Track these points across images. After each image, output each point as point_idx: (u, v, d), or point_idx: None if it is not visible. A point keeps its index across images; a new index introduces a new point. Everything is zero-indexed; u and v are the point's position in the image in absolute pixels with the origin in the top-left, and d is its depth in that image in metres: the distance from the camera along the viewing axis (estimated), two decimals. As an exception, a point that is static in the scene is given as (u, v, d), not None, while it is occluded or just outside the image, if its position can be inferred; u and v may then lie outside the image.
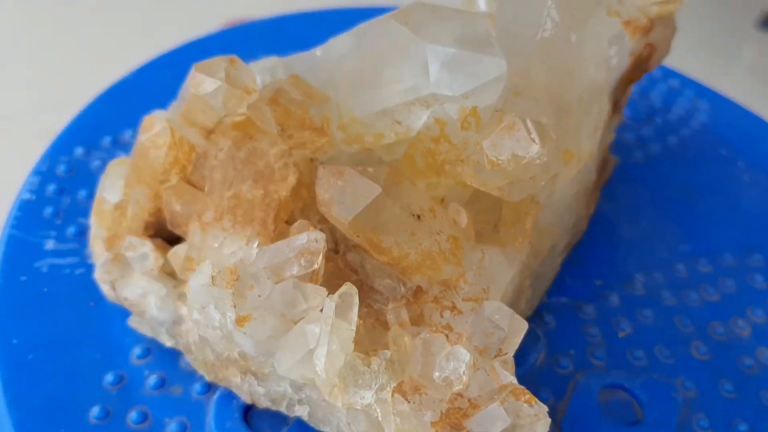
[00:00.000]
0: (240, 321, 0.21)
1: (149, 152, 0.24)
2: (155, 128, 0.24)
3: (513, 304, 0.25)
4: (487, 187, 0.22)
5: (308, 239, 0.22)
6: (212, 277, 0.22)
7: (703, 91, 0.41)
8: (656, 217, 0.33)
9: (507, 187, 0.21)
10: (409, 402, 0.19)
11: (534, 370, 0.27)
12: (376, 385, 0.20)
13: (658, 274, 0.31)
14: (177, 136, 0.24)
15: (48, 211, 0.30)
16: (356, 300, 0.21)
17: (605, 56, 0.23)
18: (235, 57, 0.24)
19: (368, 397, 0.20)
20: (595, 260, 0.31)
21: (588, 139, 0.24)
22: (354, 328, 0.20)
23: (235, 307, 0.21)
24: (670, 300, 0.30)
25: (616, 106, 0.33)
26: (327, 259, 0.23)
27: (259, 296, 0.21)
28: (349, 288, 0.21)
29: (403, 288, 0.23)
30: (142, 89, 0.36)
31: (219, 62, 0.23)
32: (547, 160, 0.20)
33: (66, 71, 0.87)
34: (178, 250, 0.23)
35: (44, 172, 0.31)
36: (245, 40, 0.41)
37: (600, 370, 0.27)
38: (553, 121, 0.22)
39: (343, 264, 0.24)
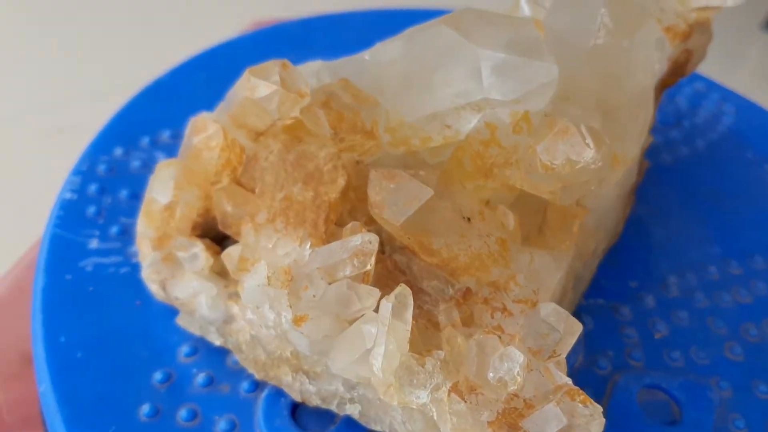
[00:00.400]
0: (297, 321, 0.21)
1: (202, 154, 0.24)
2: (208, 130, 0.24)
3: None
4: (539, 190, 0.22)
5: (362, 241, 0.22)
6: (268, 277, 0.22)
7: (728, 95, 0.42)
8: (687, 220, 0.34)
9: (559, 191, 0.22)
10: (465, 402, 0.20)
11: (573, 371, 0.27)
12: (431, 384, 0.21)
13: (691, 275, 0.31)
14: (229, 139, 0.24)
15: (90, 210, 0.30)
16: (411, 301, 0.21)
17: (652, 61, 0.23)
18: (287, 61, 0.24)
19: (424, 396, 0.21)
20: (630, 262, 0.31)
21: (634, 143, 0.24)
22: (409, 328, 0.21)
23: (291, 307, 0.21)
24: (703, 302, 0.30)
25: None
26: (376, 260, 0.23)
27: (314, 296, 0.22)
28: (403, 289, 0.21)
29: (451, 289, 0.23)
30: (177, 90, 0.36)
31: (273, 66, 0.23)
32: (602, 165, 0.20)
33: (77, 68, 0.88)
34: (232, 251, 0.23)
35: (84, 171, 0.32)
36: (276, 42, 0.41)
37: (638, 371, 0.27)
38: (602, 125, 0.22)
39: (392, 265, 0.24)
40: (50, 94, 0.83)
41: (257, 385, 0.25)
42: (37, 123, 0.79)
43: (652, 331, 0.29)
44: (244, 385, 0.25)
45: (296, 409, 0.25)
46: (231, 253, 0.23)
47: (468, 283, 0.23)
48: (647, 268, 0.31)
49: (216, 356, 0.26)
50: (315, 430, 0.24)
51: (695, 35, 0.28)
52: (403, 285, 0.21)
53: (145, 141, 0.34)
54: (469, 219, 0.23)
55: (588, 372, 0.27)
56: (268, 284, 0.22)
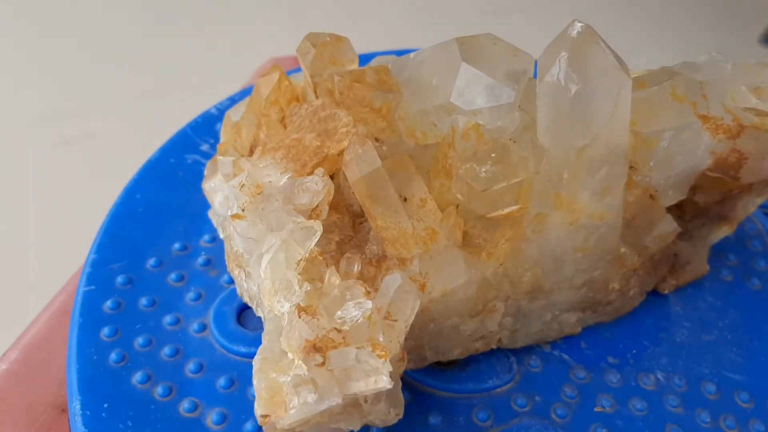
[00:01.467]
0: (235, 217, 0.26)
1: (261, 89, 0.31)
2: (271, 74, 0.31)
3: (475, 316, 0.27)
4: (455, 191, 0.25)
5: (311, 180, 0.27)
6: (242, 184, 0.28)
7: None
8: (725, 340, 0.32)
9: (467, 194, 0.24)
10: (300, 318, 0.23)
11: (489, 394, 0.28)
12: (295, 301, 0.25)
13: (682, 381, 0.30)
14: (284, 84, 0.30)
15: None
16: (317, 235, 0.25)
17: (622, 120, 0.24)
18: (342, 36, 0.30)
19: (285, 308, 0.25)
20: (625, 343, 0.31)
21: (589, 195, 0.25)
22: (303, 255, 0.25)
23: (243, 209, 0.27)
24: (677, 408, 0.29)
25: (722, 217, 0.32)
26: (338, 211, 0.28)
27: (263, 210, 0.27)
28: (317, 226, 0.25)
29: (379, 250, 0.27)
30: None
31: (323, 35, 0.29)
32: (505, 187, 0.23)
33: (87, 77, 0.90)
34: (240, 160, 0.29)
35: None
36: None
37: (551, 425, 0.28)
38: (546, 161, 0.24)
39: (348, 221, 0.28)
40: (58, 105, 0.86)
41: (231, 282, 0.31)
42: (44, 133, 0.81)
43: (596, 403, 0.29)
44: (225, 277, 0.31)
45: (242, 313, 0.30)
46: (238, 161, 0.29)
47: (391, 255, 0.27)
48: (639, 355, 0.30)
49: (220, 247, 0.32)
50: (254, 329, 0.29)
51: (746, 137, 0.28)
52: (318, 222, 0.25)
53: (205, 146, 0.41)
54: (405, 199, 0.26)
55: (503, 402, 0.28)
56: (240, 189, 0.28)
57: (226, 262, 0.31)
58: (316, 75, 0.29)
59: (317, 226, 0.25)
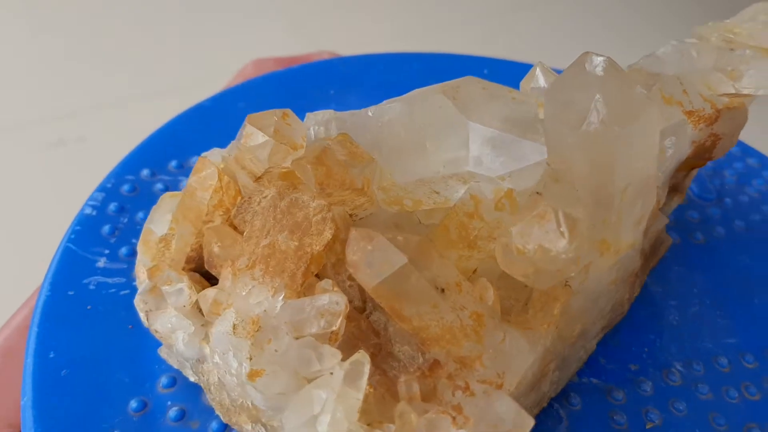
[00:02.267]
0: (252, 375, 0.21)
1: (196, 192, 0.25)
2: (204, 171, 0.25)
3: (534, 388, 0.24)
4: (513, 271, 0.21)
5: (329, 301, 0.22)
6: (234, 325, 0.22)
7: (782, 174, 0.40)
8: (707, 306, 0.32)
9: (533, 275, 0.21)
10: (403, 480, 0.19)
11: (551, 453, 0.26)
12: (374, 457, 0.20)
13: (699, 365, 0.30)
14: (225, 181, 0.25)
15: (105, 228, 0.31)
16: (367, 369, 0.21)
17: (655, 149, 0.22)
18: (288, 111, 0.24)
19: (366, 468, 0.20)
20: (635, 344, 0.30)
21: (630, 231, 0.23)
22: (361, 397, 0.21)
23: (251, 359, 0.22)
24: (708, 394, 0.29)
25: (675, 189, 0.32)
26: (350, 318, 0.23)
27: (276, 351, 0.22)
28: (361, 356, 0.21)
29: (421, 358, 0.23)
30: (213, 117, 0.37)
31: (271, 116, 0.24)
32: (573, 256, 0.20)
33: (79, 79, 0.89)
34: (209, 292, 0.24)
35: (109, 188, 0.33)
36: (311, 78, 0.41)
37: (620, 462, 0.26)
38: (591, 211, 0.22)
39: (366, 325, 0.24)
40: (52, 105, 0.84)
41: (225, 428, 0.25)
42: (38, 134, 0.80)
43: (645, 420, 0.28)
44: (213, 424, 0.25)
45: (258, 456, 0.25)
46: (207, 295, 0.24)
47: (438, 354, 0.23)
48: (652, 353, 0.30)
49: (192, 392, 0.26)
50: (274, 480, 0.24)
51: (723, 120, 0.27)
52: (361, 351, 0.21)
53: (172, 164, 0.35)
54: (443, 290, 0.22)
55: (567, 456, 0.26)
56: (233, 333, 0.22)
57: (216, 409, 0.25)
58: (276, 166, 0.24)
59: (363, 359, 0.21)
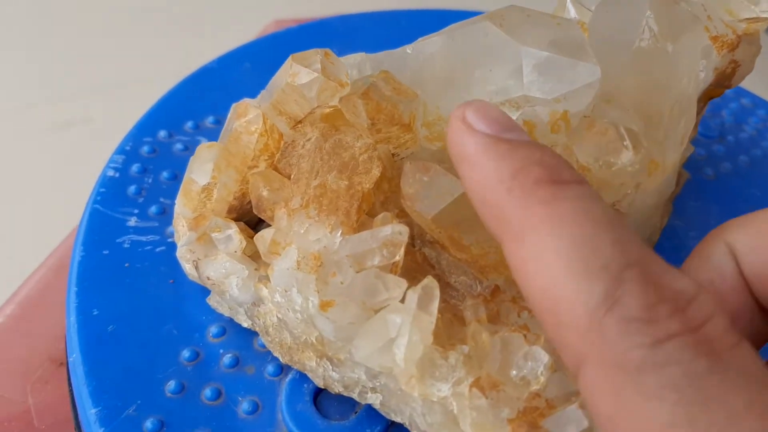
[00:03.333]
0: (324, 306, 0.21)
1: (241, 137, 0.25)
2: (249, 115, 0.25)
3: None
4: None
5: (392, 231, 0.22)
6: (297, 261, 0.22)
7: (776, 112, 0.41)
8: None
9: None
10: (486, 397, 0.20)
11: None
12: (453, 378, 0.21)
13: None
14: (269, 124, 0.25)
15: (131, 189, 0.31)
16: (437, 293, 0.21)
17: (697, 69, 0.23)
18: (329, 50, 0.24)
19: (445, 389, 0.21)
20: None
21: (674, 150, 0.24)
22: (434, 320, 0.21)
23: (318, 292, 0.22)
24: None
25: (692, 121, 0.33)
26: (406, 252, 0.24)
27: (341, 283, 0.22)
28: (430, 281, 0.21)
29: (479, 286, 0.23)
30: (222, 77, 0.37)
31: (315, 54, 0.24)
32: (640, 167, 0.20)
33: (84, 61, 0.87)
34: (265, 233, 0.24)
35: (128, 151, 0.32)
36: (320, 36, 0.41)
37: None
38: (642, 130, 0.22)
39: (421, 258, 0.24)
40: (57, 87, 0.83)
41: (282, 369, 0.25)
42: (44, 115, 0.79)
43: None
44: (269, 368, 0.26)
45: (318, 395, 0.25)
46: (264, 236, 0.24)
47: (497, 280, 0.23)
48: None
49: (243, 338, 0.26)
50: (336, 417, 0.24)
51: (743, 46, 0.28)
52: (430, 277, 0.21)
53: (188, 125, 0.34)
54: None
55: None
56: (298, 268, 0.22)
57: (274, 351, 0.25)
58: (323, 104, 0.24)
59: (432, 283, 0.21)
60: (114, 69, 0.85)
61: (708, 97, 0.30)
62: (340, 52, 0.42)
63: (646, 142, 0.21)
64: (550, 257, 0.15)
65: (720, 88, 0.30)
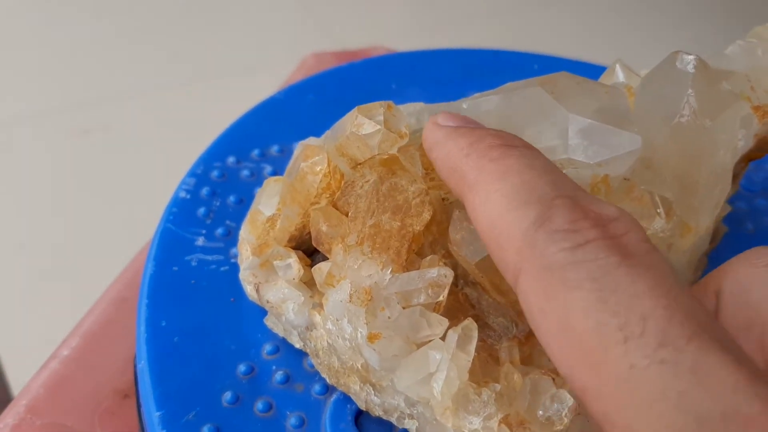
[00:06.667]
0: (371, 338, 0.24)
1: (307, 177, 0.27)
2: (315, 157, 0.27)
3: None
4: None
5: (438, 274, 0.24)
6: (350, 294, 0.25)
7: (822, 169, 0.42)
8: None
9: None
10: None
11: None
12: (484, 413, 0.23)
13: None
14: (332, 166, 0.27)
15: (200, 210, 0.33)
16: (476, 334, 0.23)
17: (735, 140, 0.25)
18: (391, 103, 0.27)
19: (476, 423, 0.23)
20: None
21: (708, 215, 0.26)
22: (471, 359, 0.23)
23: (367, 324, 0.24)
24: None
25: (733, 180, 0.34)
26: (448, 292, 0.26)
27: (389, 318, 0.24)
28: (470, 323, 0.23)
29: (515, 328, 0.25)
30: (287, 108, 0.40)
31: (378, 107, 0.26)
32: (670, 234, 0.22)
33: (101, 70, 0.90)
34: (323, 266, 0.26)
35: (199, 174, 0.35)
36: (381, 72, 0.44)
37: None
38: (678, 196, 0.24)
39: (463, 298, 0.26)
40: (76, 94, 0.85)
41: (328, 389, 0.28)
42: (62, 122, 0.81)
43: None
44: (316, 387, 0.28)
45: (359, 416, 0.27)
46: (321, 268, 0.26)
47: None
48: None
49: (295, 357, 0.29)
50: (374, 438, 0.27)
51: (784, 115, 0.29)
52: (470, 319, 0.23)
53: (255, 153, 0.37)
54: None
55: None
56: (350, 301, 0.24)
57: (322, 372, 0.27)
58: (382, 153, 0.26)
59: (472, 325, 0.23)
60: (131, 78, 0.88)
61: (748, 159, 0.32)
62: (399, 88, 0.44)
63: (680, 210, 0.23)
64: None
65: (761, 152, 0.31)
